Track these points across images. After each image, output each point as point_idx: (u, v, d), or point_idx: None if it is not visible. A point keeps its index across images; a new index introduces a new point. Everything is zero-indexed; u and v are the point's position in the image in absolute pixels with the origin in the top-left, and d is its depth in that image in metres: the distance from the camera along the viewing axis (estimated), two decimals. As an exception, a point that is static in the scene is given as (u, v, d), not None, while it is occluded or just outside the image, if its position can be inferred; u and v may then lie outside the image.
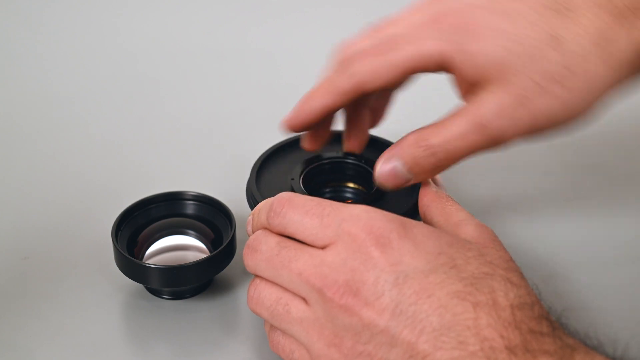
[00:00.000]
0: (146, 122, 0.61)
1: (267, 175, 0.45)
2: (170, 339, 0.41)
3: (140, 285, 0.44)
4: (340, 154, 0.46)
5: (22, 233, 0.49)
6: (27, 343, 0.41)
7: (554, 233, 0.49)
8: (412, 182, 0.40)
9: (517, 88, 0.36)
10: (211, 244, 0.44)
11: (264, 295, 0.36)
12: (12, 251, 0.47)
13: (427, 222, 0.40)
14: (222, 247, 0.42)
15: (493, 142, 0.37)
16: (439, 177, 0.42)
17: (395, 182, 0.39)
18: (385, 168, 0.39)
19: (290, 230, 0.36)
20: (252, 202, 0.43)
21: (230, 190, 0.49)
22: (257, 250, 0.37)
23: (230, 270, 0.44)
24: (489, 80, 0.37)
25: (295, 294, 0.35)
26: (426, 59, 0.38)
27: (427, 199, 0.40)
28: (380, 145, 0.45)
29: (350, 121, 0.44)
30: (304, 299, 0.35)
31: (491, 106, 0.36)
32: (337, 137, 0.46)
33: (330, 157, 0.46)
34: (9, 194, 0.53)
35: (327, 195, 0.47)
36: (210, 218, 0.45)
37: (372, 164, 0.42)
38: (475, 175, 0.54)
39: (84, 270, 0.46)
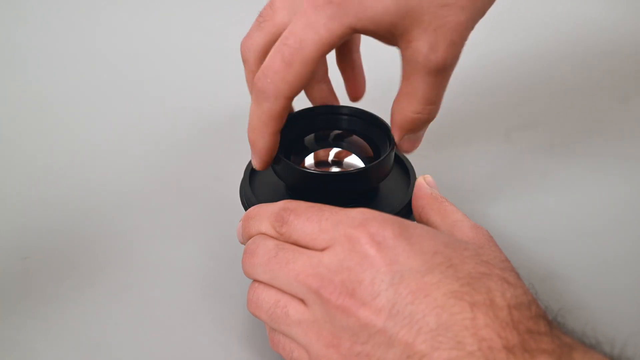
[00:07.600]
0: (146, 121, 0.61)
1: (260, 176, 0.45)
2: (170, 339, 0.41)
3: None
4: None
5: (22, 233, 0.49)
6: (27, 343, 0.41)
7: (551, 232, 0.49)
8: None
9: (431, 18, 0.37)
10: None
11: (262, 298, 0.37)
12: (12, 251, 0.47)
13: (422, 223, 0.40)
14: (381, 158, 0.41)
15: (450, 68, 0.40)
16: (430, 177, 0.42)
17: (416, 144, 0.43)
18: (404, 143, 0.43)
19: (294, 238, 0.37)
20: (246, 202, 0.43)
21: (229, 190, 0.49)
22: (255, 253, 0.37)
23: (230, 268, 0.45)
24: (404, 26, 0.38)
25: (293, 296, 0.35)
26: (333, 42, 0.38)
27: (422, 200, 0.40)
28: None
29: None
30: (302, 301, 0.35)
31: (426, 50, 0.38)
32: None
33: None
34: (9, 194, 0.53)
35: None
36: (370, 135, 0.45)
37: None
38: (471, 171, 0.54)
39: (84, 270, 0.46)
